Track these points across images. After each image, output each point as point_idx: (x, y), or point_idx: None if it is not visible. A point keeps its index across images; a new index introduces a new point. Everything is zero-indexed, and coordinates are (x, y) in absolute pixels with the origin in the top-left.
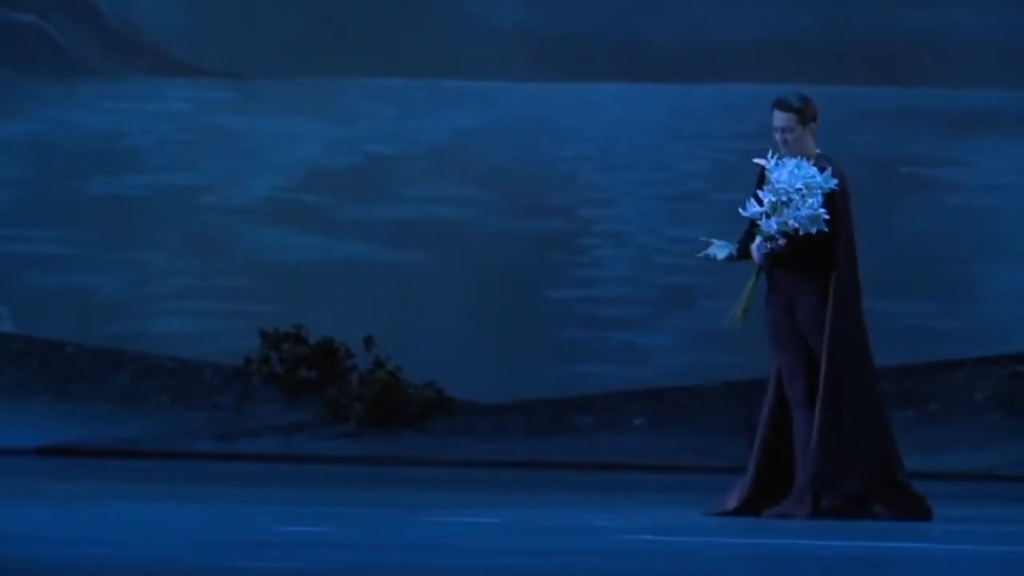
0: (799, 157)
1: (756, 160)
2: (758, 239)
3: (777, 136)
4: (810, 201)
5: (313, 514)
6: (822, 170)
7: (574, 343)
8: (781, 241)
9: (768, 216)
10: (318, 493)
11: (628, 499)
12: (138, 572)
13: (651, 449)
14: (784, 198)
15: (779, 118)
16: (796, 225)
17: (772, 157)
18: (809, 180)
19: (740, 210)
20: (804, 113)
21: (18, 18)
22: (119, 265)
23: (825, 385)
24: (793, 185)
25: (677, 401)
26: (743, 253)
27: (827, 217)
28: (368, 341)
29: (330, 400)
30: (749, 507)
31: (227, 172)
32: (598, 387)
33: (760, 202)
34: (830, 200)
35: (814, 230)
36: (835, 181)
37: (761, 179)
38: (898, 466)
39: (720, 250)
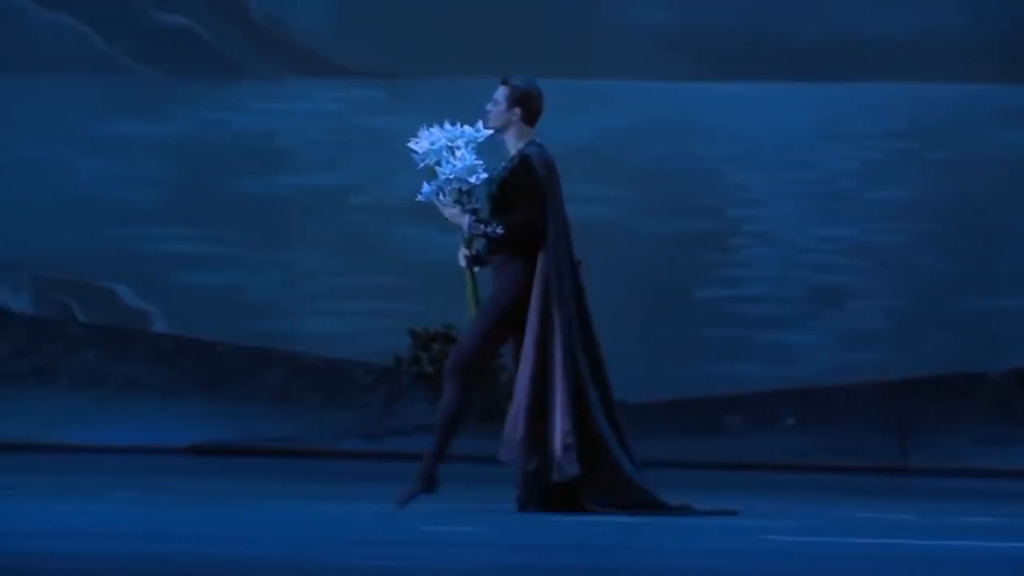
0: (498, 134)
1: (407, 143)
2: (468, 218)
3: (488, 106)
4: (459, 154)
5: (460, 514)
6: (523, 157)
7: (723, 343)
8: (499, 229)
9: (427, 182)
10: (465, 493)
11: (776, 499)
12: (285, 571)
13: (800, 449)
14: (434, 160)
15: (497, 91)
16: (457, 184)
17: (423, 130)
18: (452, 135)
19: (418, 198)
20: (515, 95)
21: (169, 20)
22: (269, 265)
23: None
24: (439, 146)
25: (826, 400)
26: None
27: (481, 163)
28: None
29: (479, 400)
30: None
31: (376, 172)
32: (747, 387)
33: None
34: (536, 186)
35: (474, 179)
36: (488, 132)
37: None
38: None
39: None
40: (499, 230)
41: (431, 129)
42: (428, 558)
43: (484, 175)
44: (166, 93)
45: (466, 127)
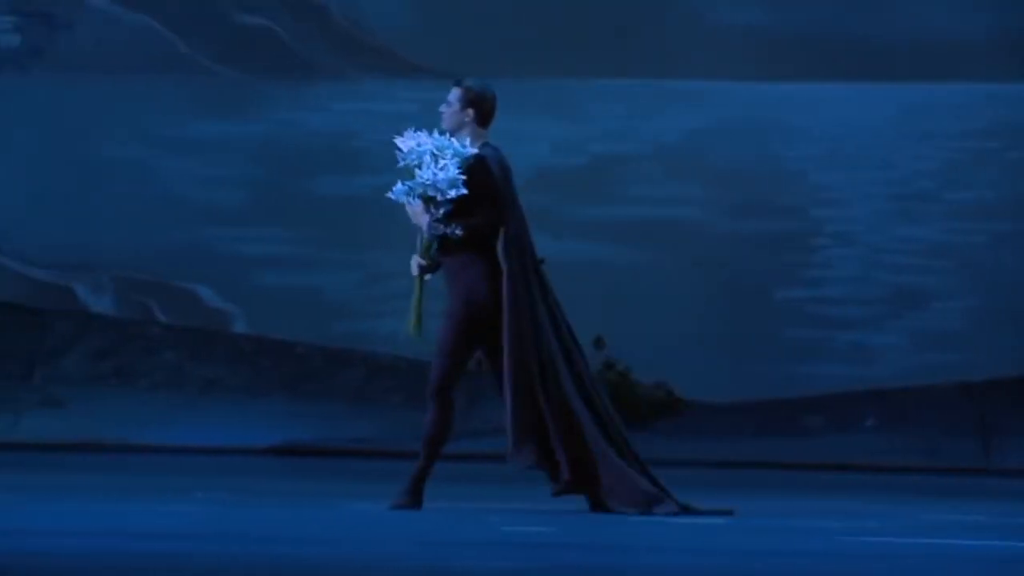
0: (452, 135)
1: (394, 139)
2: (428, 218)
3: (441, 108)
4: (443, 163)
5: (540, 515)
6: (479, 158)
7: (803, 343)
8: (459, 231)
9: (402, 182)
10: (546, 493)
11: (857, 500)
12: (366, 572)
13: (881, 450)
14: (415, 161)
15: (450, 92)
16: (434, 192)
17: (411, 130)
18: (440, 144)
19: (388, 194)
20: (468, 97)
21: (248, 20)
22: (348, 265)
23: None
24: (424, 149)
25: (907, 401)
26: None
27: (464, 178)
28: (598, 342)
29: None
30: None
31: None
32: (827, 387)
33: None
34: (493, 188)
35: (453, 193)
36: (473, 150)
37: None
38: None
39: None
40: (458, 231)
41: (419, 132)
42: (509, 558)
43: (463, 191)
44: (246, 94)
45: (454, 140)
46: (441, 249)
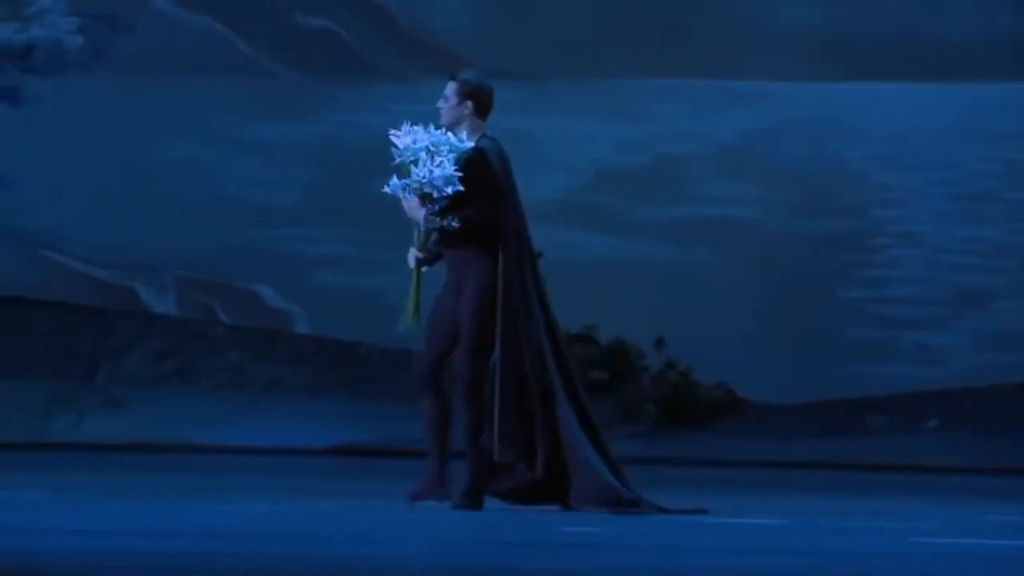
0: (450, 130)
1: (390, 134)
2: (424, 211)
3: (438, 103)
4: (439, 160)
5: (599, 515)
6: (477, 150)
7: (866, 344)
8: (456, 223)
9: (398, 177)
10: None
11: (920, 501)
12: (428, 572)
13: (944, 450)
14: (411, 158)
15: (447, 86)
16: (430, 189)
17: (407, 126)
18: (436, 140)
19: (384, 189)
20: (464, 88)
21: (310, 22)
22: (408, 266)
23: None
24: (420, 146)
25: (970, 402)
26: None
27: (460, 175)
28: (659, 342)
29: (622, 401)
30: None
31: (515, 172)
32: (890, 388)
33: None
34: (491, 180)
35: (449, 190)
36: (469, 144)
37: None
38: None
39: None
40: (455, 223)
41: (415, 127)
42: (567, 559)
43: (460, 188)
44: (307, 95)
45: (450, 135)
46: (442, 242)
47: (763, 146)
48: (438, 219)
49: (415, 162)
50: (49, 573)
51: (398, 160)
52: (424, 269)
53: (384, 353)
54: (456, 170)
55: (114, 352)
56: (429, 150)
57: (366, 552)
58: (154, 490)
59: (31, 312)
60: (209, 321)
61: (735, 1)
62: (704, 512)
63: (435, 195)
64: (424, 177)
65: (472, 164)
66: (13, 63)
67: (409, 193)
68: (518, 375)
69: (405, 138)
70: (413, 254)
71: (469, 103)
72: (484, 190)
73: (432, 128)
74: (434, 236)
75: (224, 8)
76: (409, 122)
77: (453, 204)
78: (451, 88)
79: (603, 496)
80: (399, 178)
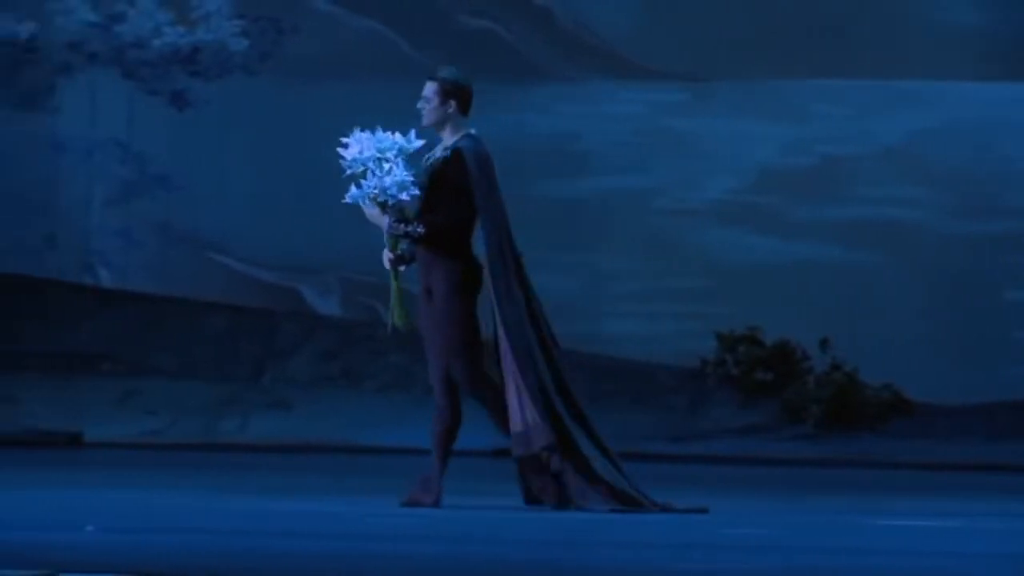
0: (438, 131)
1: (339, 148)
2: (387, 219)
3: (419, 104)
4: (388, 166)
5: (765, 517)
6: (456, 151)
7: None
8: (420, 230)
9: (355, 185)
10: (772, 495)
11: None
12: (585, 571)
13: None
14: (360, 169)
15: (425, 87)
16: (385, 197)
17: (355, 133)
18: (383, 146)
19: (345, 199)
20: (445, 87)
21: (473, 23)
22: (572, 267)
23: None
24: (367, 155)
25: None
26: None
27: (412, 179)
28: (824, 343)
29: (787, 402)
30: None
31: (680, 174)
32: None
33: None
34: (463, 183)
35: (404, 196)
36: (420, 143)
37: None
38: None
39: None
40: (420, 230)
41: (361, 134)
42: (729, 561)
43: (416, 192)
44: None
45: (396, 135)
46: (415, 242)
47: (928, 146)
48: (401, 226)
49: (363, 174)
50: (212, 573)
51: (348, 172)
52: (402, 268)
53: None
54: (410, 174)
55: (279, 353)
56: (377, 158)
57: (528, 555)
58: (318, 491)
59: (198, 313)
60: (373, 322)
61: (900, 1)
62: (704, 511)
63: (390, 203)
64: (375, 187)
65: (449, 165)
66: (179, 66)
67: (367, 202)
68: (533, 367)
69: (352, 149)
70: (386, 255)
71: (452, 102)
72: (461, 192)
73: (380, 131)
74: (402, 241)
75: (387, 10)
76: (358, 129)
77: (425, 206)
78: (431, 88)
79: (605, 494)
80: (355, 186)
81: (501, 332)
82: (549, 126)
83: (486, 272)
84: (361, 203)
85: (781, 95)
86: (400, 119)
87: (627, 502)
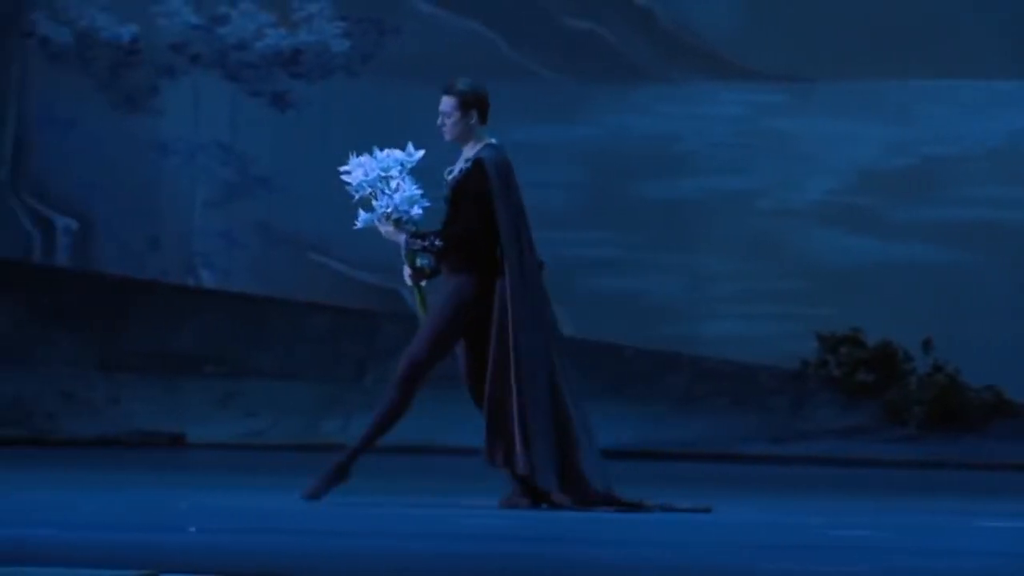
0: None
1: (340, 170)
2: (404, 236)
3: (439, 121)
4: (395, 183)
5: (866, 518)
6: (477, 161)
7: None
8: (438, 243)
9: (364, 211)
10: (873, 497)
11: None
12: (672, 571)
13: None
14: (368, 191)
15: (442, 102)
16: (398, 214)
17: (352, 159)
18: (385, 165)
19: (355, 225)
20: (465, 99)
21: (576, 25)
22: (672, 268)
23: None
24: (372, 177)
25: None
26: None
27: (421, 192)
28: (926, 344)
29: (889, 403)
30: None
31: (780, 175)
32: None
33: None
34: (483, 194)
35: (417, 209)
36: (419, 154)
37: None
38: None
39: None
40: (437, 243)
41: (360, 159)
42: (832, 562)
43: (427, 204)
44: (571, 97)
45: (395, 151)
46: (436, 255)
47: None
48: (419, 241)
49: (373, 195)
50: (312, 574)
51: (356, 197)
52: (423, 283)
53: (648, 355)
54: (418, 187)
55: (381, 354)
56: (382, 177)
57: (611, 555)
58: (416, 492)
59: (300, 314)
60: None
61: (1003, 1)
62: (708, 511)
63: (404, 219)
64: (388, 206)
65: (470, 177)
66: (281, 68)
67: (381, 222)
68: (537, 387)
69: (355, 173)
70: (406, 272)
71: (474, 112)
72: (474, 204)
73: (377, 152)
74: (420, 256)
75: (488, 11)
76: (354, 153)
77: (448, 220)
78: (450, 103)
79: (604, 496)
80: (363, 211)
81: (511, 341)
82: (650, 127)
83: (506, 286)
84: (376, 223)
85: (882, 95)
86: (500, 121)
87: (615, 503)
